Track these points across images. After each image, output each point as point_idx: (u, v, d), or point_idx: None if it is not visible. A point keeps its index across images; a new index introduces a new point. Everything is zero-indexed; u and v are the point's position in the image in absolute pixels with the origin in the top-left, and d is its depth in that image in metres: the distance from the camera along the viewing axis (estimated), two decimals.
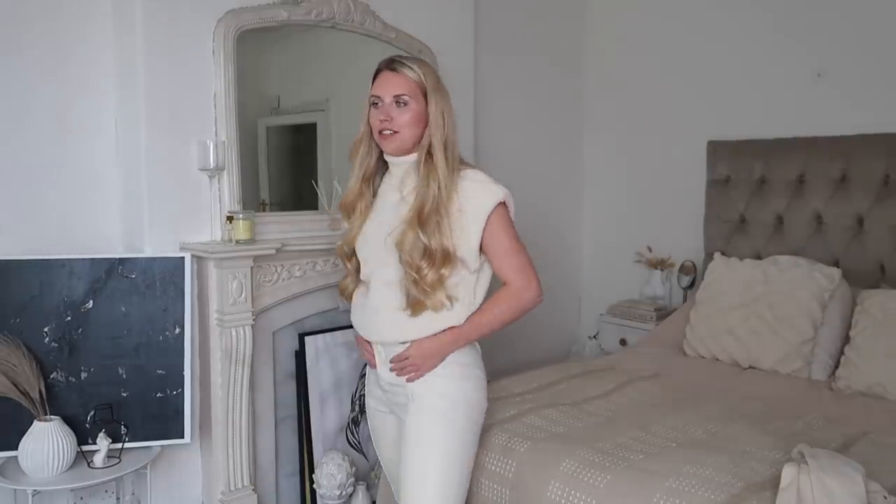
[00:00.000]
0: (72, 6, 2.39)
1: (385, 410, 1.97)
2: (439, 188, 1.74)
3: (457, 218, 1.75)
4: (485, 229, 1.76)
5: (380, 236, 1.82)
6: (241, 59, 2.49)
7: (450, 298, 1.78)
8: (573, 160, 4.06)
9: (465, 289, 1.81)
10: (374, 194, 1.91)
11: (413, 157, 1.82)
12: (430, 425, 1.80)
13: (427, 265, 1.72)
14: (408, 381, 1.83)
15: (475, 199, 1.76)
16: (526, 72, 3.73)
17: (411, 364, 1.81)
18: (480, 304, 1.84)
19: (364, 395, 2.11)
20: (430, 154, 1.78)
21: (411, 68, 1.79)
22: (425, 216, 1.73)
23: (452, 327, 1.80)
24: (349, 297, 1.98)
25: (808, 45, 3.18)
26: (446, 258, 1.74)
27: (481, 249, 1.79)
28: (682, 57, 3.61)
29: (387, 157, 1.88)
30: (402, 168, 1.85)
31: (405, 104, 1.78)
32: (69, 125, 2.41)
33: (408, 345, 1.82)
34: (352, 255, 1.93)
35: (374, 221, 1.88)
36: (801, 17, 3.20)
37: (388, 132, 1.79)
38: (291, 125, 3.01)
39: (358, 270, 1.94)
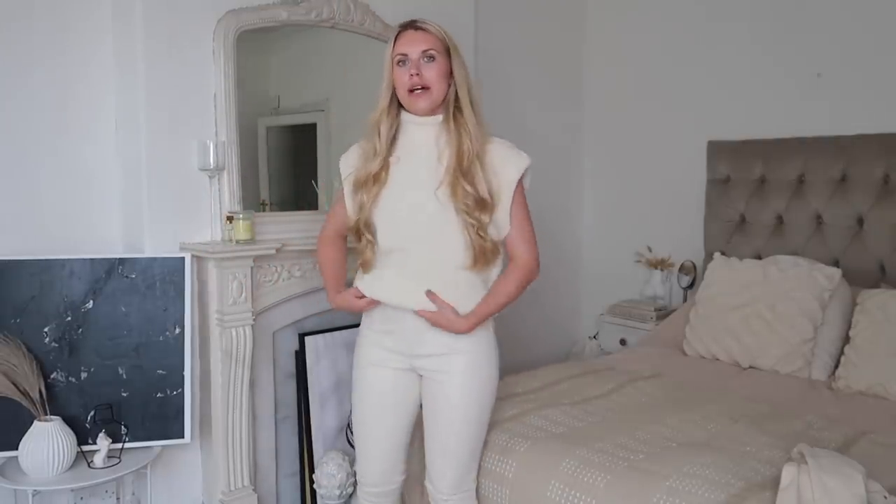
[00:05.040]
0: (72, 6, 2.39)
1: (403, 368, 1.92)
2: (471, 141, 1.78)
3: (490, 179, 1.80)
4: (514, 194, 1.82)
5: (424, 196, 1.80)
6: (241, 59, 2.48)
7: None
8: (573, 160, 4.06)
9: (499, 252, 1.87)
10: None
11: (439, 117, 1.84)
12: (473, 386, 1.87)
13: (481, 212, 1.77)
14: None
15: (507, 163, 1.82)
16: (526, 72, 3.73)
17: (443, 325, 1.82)
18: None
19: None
20: (458, 109, 1.81)
21: (433, 25, 1.83)
22: (465, 168, 1.77)
23: (478, 309, 1.85)
24: (367, 271, 1.91)
25: (807, 46, 3.18)
26: (493, 205, 1.79)
27: None
28: (683, 57, 3.60)
29: (411, 120, 1.86)
30: (428, 129, 1.84)
31: (432, 59, 1.79)
32: (69, 125, 2.42)
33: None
34: (366, 229, 1.86)
35: (402, 187, 1.83)
36: (800, 17, 3.20)
37: (419, 89, 1.79)
38: (291, 125, 3.01)
39: (371, 243, 1.87)
